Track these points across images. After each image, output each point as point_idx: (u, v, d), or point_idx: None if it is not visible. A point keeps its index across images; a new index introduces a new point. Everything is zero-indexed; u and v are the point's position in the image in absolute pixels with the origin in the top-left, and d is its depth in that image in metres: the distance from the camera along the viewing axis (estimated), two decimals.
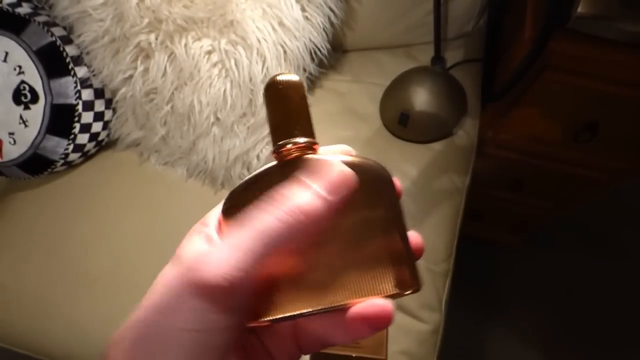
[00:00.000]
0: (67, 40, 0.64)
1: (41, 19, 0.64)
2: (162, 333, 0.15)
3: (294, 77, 0.20)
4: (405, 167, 0.63)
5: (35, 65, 0.62)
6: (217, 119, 0.65)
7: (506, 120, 0.66)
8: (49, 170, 0.68)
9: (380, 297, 0.17)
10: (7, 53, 0.62)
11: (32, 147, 0.64)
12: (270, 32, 0.59)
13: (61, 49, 0.63)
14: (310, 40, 0.62)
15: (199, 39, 0.60)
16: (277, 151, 0.20)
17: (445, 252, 0.60)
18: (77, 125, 0.66)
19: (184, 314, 0.15)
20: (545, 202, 0.81)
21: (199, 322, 0.15)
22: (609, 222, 1.10)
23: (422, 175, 0.63)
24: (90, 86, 0.66)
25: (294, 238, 0.16)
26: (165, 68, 0.61)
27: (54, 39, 0.63)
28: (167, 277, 0.16)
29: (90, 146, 0.70)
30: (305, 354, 0.20)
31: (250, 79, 0.61)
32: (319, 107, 0.70)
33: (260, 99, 0.63)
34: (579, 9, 0.47)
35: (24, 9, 0.65)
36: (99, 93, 0.67)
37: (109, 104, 0.69)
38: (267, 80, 0.20)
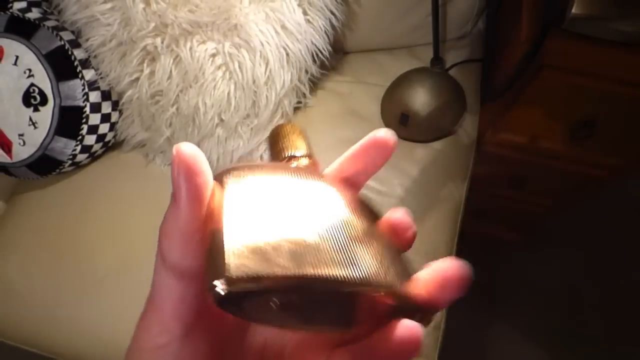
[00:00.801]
0: (76, 44, 0.66)
1: (50, 23, 0.66)
2: None
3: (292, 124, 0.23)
4: (406, 166, 0.64)
5: (45, 69, 0.64)
6: (221, 120, 0.66)
7: (505, 119, 0.67)
8: (57, 170, 0.69)
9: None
10: (17, 57, 0.63)
11: (41, 148, 0.66)
12: (273, 35, 0.60)
13: (70, 52, 0.65)
14: (312, 42, 0.64)
15: (204, 42, 0.62)
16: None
17: (446, 251, 0.61)
18: (85, 127, 0.67)
19: None
20: (546, 199, 0.82)
21: None
22: (611, 218, 1.10)
23: (423, 174, 0.64)
24: (98, 88, 0.68)
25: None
26: (171, 71, 0.63)
27: (62, 43, 0.65)
28: None
29: (97, 147, 0.71)
30: None
31: (254, 81, 0.62)
32: (321, 107, 0.71)
33: (263, 100, 0.64)
34: (574, 10, 0.48)
35: (34, 14, 0.67)
36: (106, 95, 0.69)
37: (115, 105, 0.71)
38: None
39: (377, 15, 0.67)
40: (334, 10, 0.64)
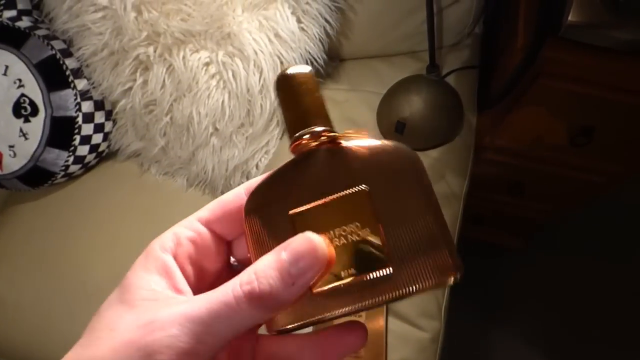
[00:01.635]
0: (67, 53, 0.65)
1: (41, 32, 0.65)
2: None
3: (304, 69, 0.20)
4: None
5: (35, 79, 0.63)
6: (216, 129, 0.65)
7: (503, 126, 0.67)
8: (50, 182, 0.68)
9: (425, 287, 0.16)
10: (7, 67, 0.63)
11: (33, 159, 0.65)
12: (266, 43, 0.60)
13: (61, 62, 0.64)
14: (307, 50, 0.63)
15: (197, 51, 0.61)
16: (294, 144, 0.19)
17: None
18: (78, 137, 0.66)
19: None
20: (546, 205, 0.82)
21: None
22: (611, 224, 1.10)
23: None
24: (90, 98, 0.67)
25: (255, 320, 0.16)
26: (164, 80, 0.62)
27: (54, 52, 0.64)
28: (118, 339, 0.16)
29: (90, 157, 0.70)
30: None
31: (248, 90, 0.62)
32: None
33: (258, 109, 0.63)
34: (570, 17, 0.47)
35: (24, 23, 0.66)
36: (99, 105, 0.68)
37: (109, 115, 0.70)
38: (277, 75, 0.20)
39: (372, 22, 0.67)
40: (328, 18, 0.63)
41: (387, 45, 0.71)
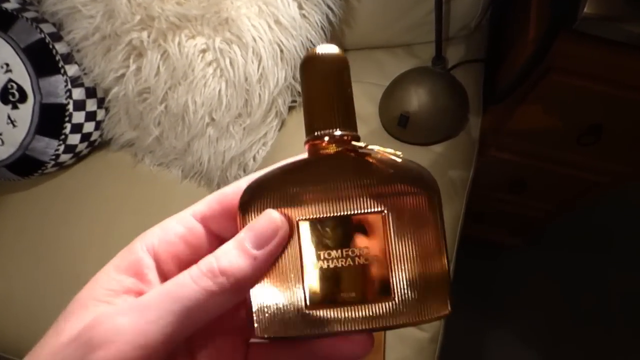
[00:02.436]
0: (57, 37, 0.62)
1: (29, 15, 0.62)
2: None
3: (337, 51, 0.18)
4: None
5: (24, 63, 0.60)
6: (212, 119, 0.63)
7: (509, 122, 0.65)
8: (40, 171, 0.66)
9: (418, 322, 0.17)
10: None
11: (21, 147, 0.62)
12: (266, 30, 0.57)
13: (50, 46, 0.61)
14: (308, 38, 0.60)
15: (193, 37, 0.58)
16: (312, 142, 0.18)
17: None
18: (68, 126, 0.64)
19: None
20: (547, 204, 0.80)
21: None
22: (611, 223, 1.09)
23: None
24: (82, 85, 0.64)
25: (217, 303, 0.16)
26: (158, 67, 0.60)
27: (43, 35, 0.61)
28: (60, 341, 0.15)
29: (82, 147, 0.68)
30: None
31: (246, 79, 0.59)
32: None
33: (256, 99, 0.61)
34: (586, 10, 0.45)
35: (12, 5, 0.63)
36: (90, 92, 0.65)
37: (101, 103, 0.67)
38: (306, 54, 0.18)
39: (377, 11, 0.64)
40: (331, 5, 0.60)
41: (391, 36, 0.68)
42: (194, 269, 0.16)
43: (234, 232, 0.18)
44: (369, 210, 0.17)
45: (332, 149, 0.17)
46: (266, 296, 0.17)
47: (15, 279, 0.63)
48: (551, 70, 0.52)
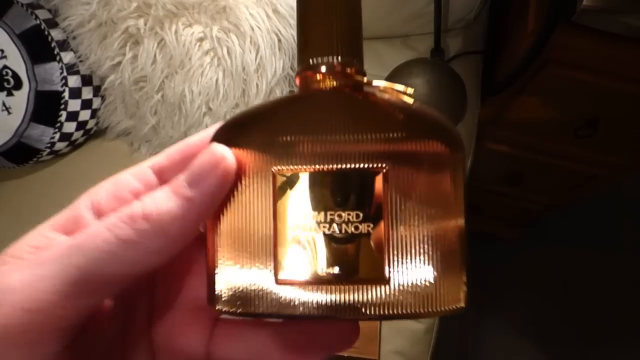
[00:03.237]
0: (53, 23, 0.62)
1: (24, 0, 0.61)
2: None
3: None
4: None
5: (19, 50, 0.59)
6: (209, 109, 0.63)
7: (506, 114, 0.65)
8: (35, 159, 0.66)
9: (420, 314, 0.13)
10: None
11: (16, 135, 0.62)
12: (264, 19, 0.57)
13: (46, 32, 0.60)
14: None
15: (190, 25, 0.58)
16: (303, 73, 0.14)
17: None
18: (64, 113, 0.63)
19: None
20: (544, 196, 0.81)
21: None
22: (606, 215, 1.10)
23: None
24: (77, 72, 0.64)
25: (138, 255, 0.13)
26: (155, 55, 0.59)
27: (38, 22, 0.60)
28: None
29: (77, 135, 0.68)
30: None
31: (244, 68, 0.59)
32: None
33: (253, 89, 0.61)
34: (585, 2, 0.45)
35: None
36: (86, 80, 0.65)
37: (97, 91, 0.67)
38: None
39: (375, 1, 0.64)
40: None
41: (390, 26, 0.68)
42: (110, 217, 0.13)
43: None
44: (366, 166, 0.13)
45: (329, 83, 0.14)
46: (229, 263, 0.14)
47: None
48: (549, 63, 0.52)
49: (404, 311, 0.13)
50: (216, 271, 0.14)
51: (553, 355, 0.97)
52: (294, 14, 0.58)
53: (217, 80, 0.60)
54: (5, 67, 0.59)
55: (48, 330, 0.12)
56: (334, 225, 0.13)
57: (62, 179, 0.69)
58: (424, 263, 0.13)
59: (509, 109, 0.63)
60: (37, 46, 0.60)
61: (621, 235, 1.08)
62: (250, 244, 0.13)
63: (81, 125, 0.67)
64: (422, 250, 0.13)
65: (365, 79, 0.14)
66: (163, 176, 0.16)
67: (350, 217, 0.13)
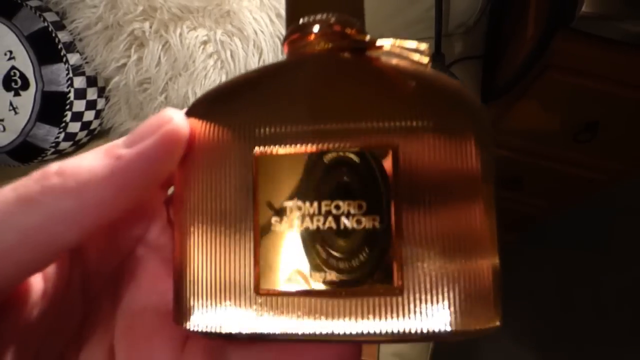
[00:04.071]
0: (60, 26, 0.63)
1: (33, 3, 0.62)
2: None
3: None
4: None
5: (27, 51, 0.60)
6: None
7: (506, 119, 0.65)
8: (40, 158, 0.67)
9: (441, 335, 0.10)
10: None
11: (22, 134, 0.63)
12: (267, 23, 0.58)
13: (53, 34, 0.62)
14: None
15: (194, 28, 0.59)
16: (292, 36, 0.12)
17: None
18: (69, 114, 0.64)
19: None
20: (543, 201, 0.81)
21: None
22: (606, 220, 1.09)
23: None
24: (83, 74, 0.65)
25: (36, 213, 0.10)
26: (160, 57, 0.60)
27: (46, 24, 0.61)
28: None
29: (82, 135, 0.69)
30: None
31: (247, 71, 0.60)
32: None
33: None
34: (584, 8, 0.46)
35: None
36: (91, 81, 0.66)
37: (101, 92, 0.68)
38: None
39: (376, 7, 0.65)
40: None
41: (390, 31, 0.69)
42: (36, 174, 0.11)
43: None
44: (369, 144, 0.10)
45: (323, 46, 0.11)
46: (200, 269, 0.11)
47: None
48: (549, 68, 0.53)
49: (423, 330, 0.10)
50: (185, 279, 0.11)
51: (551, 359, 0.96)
52: None
53: (220, 83, 0.61)
54: (13, 67, 0.60)
55: None
56: (330, 218, 0.10)
57: None
58: (448, 264, 0.10)
59: (508, 114, 0.63)
60: (45, 48, 0.61)
61: (621, 239, 1.07)
62: (226, 244, 0.11)
63: (85, 126, 0.68)
64: (444, 249, 0.10)
65: (367, 38, 0.11)
66: None
67: (350, 209, 0.10)
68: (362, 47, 0.11)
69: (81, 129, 0.67)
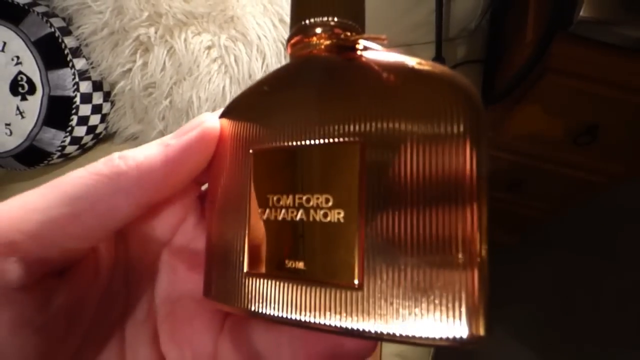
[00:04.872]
0: (66, 31, 0.64)
1: (40, 9, 0.63)
2: None
3: None
4: None
5: (34, 56, 0.61)
6: None
7: (506, 122, 0.66)
8: (45, 162, 0.67)
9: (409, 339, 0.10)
10: (5, 43, 0.61)
11: (29, 138, 0.64)
12: (270, 28, 0.59)
13: (60, 40, 0.63)
14: None
15: (199, 34, 0.60)
16: (293, 39, 0.13)
17: None
18: (75, 118, 0.65)
19: None
20: (544, 203, 0.81)
21: None
22: (607, 222, 1.10)
23: None
24: (89, 78, 0.66)
25: (109, 192, 0.13)
26: (165, 62, 0.61)
27: (52, 30, 0.62)
28: None
29: (87, 139, 0.69)
30: None
31: (250, 76, 0.60)
32: None
33: None
34: (582, 13, 0.46)
35: None
36: (97, 85, 0.67)
37: (107, 96, 0.69)
38: None
39: (378, 12, 0.65)
40: None
41: (392, 36, 0.70)
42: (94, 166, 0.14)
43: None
44: (337, 141, 0.11)
45: (323, 47, 0.12)
46: (217, 250, 0.13)
47: None
48: (548, 72, 0.54)
49: (381, 331, 0.09)
50: (208, 259, 0.13)
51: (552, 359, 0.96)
52: None
53: (224, 87, 0.62)
54: (20, 72, 0.61)
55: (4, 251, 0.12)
56: (302, 211, 0.11)
57: None
58: (419, 266, 0.09)
59: (509, 117, 0.64)
60: (51, 53, 0.62)
61: (622, 242, 1.08)
62: (231, 231, 0.12)
63: (91, 130, 0.69)
64: (414, 249, 0.09)
65: (362, 36, 0.12)
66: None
67: (319, 202, 0.11)
68: (360, 48, 0.12)
69: (87, 133, 0.68)
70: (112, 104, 0.70)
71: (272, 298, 0.11)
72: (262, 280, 0.11)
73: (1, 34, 0.61)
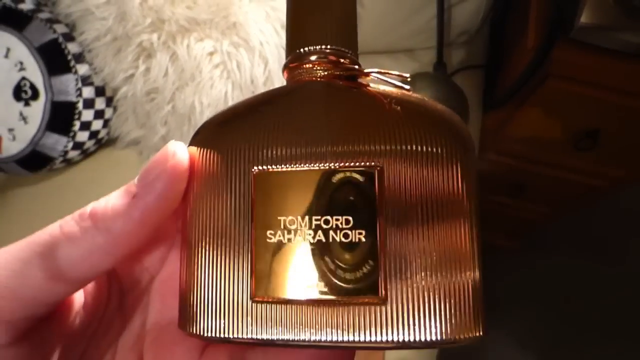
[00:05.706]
0: (69, 37, 0.64)
1: (44, 15, 0.64)
2: None
3: None
4: None
5: (37, 62, 0.62)
6: None
7: (508, 127, 0.66)
8: (48, 167, 0.68)
9: (423, 343, 0.11)
10: (8, 49, 0.62)
11: (32, 143, 0.64)
12: (272, 34, 0.59)
13: (63, 46, 0.63)
14: None
15: (201, 40, 0.60)
16: (290, 65, 0.13)
17: None
18: (77, 123, 0.66)
19: None
20: (544, 207, 0.82)
21: None
22: (608, 226, 1.10)
23: None
24: (92, 84, 0.66)
25: (81, 252, 0.13)
26: (167, 68, 0.61)
27: (56, 36, 0.63)
28: None
29: (90, 144, 0.70)
30: None
31: (252, 81, 0.61)
32: None
33: None
34: (583, 19, 0.47)
35: (27, 5, 0.65)
36: (99, 91, 0.67)
37: (109, 102, 0.69)
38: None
39: (380, 17, 0.66)
40: None
41: (394, 41, 0.70)
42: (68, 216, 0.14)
43: None
44: (356, 164, 0.11)
45: (318, 74, 0.12)
46: (202, 277, 0.12)
47: None
48: (549, 77, 0.54)
49: (406, 339, 0.11)
50: (189, 287, 0.13)
51: None
52: None
53: (226, 93, 0.62)
54: (23, 78, 0.62)
55: None
56: (320, 232, 0.11)
57: (74, 186, 0.71)
58: (430, 278, 0.11)
59: (510, 122, 0.64)
60: (55, 58, 0.63)
61: (622, 246, 1.08)
62: (226, 255, 0.12)
63: (93, 135, 0.69)
64: (427, 262, 0.11)
65: (357, 68, 0.12)
66: None
67: (338, 223, 0.11)
68: (354, 75, 0.12)
69: (89, 138, 0.68)
70: (115, 109, 0.70)
71: (290, 324, 0.11)
72: (275, 306, 0.11)
73: (5, 40, 0.61)
